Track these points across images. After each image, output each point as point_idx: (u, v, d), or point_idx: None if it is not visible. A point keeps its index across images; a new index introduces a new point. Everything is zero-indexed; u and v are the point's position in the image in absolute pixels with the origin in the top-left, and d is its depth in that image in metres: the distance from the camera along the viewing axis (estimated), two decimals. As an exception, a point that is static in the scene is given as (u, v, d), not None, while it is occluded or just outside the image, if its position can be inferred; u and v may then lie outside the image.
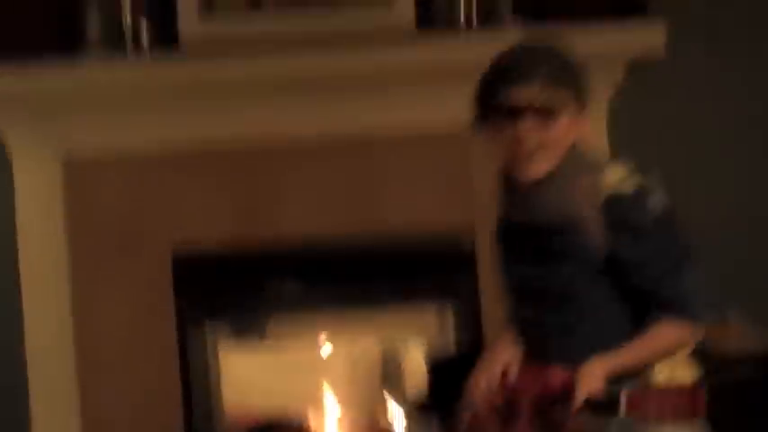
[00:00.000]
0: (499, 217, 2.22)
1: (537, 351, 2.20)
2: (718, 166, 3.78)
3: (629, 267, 2.09)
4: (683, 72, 3.72)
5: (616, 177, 2.09)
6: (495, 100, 2.07)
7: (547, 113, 2.04)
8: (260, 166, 3.61)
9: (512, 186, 2.15)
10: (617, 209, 2.07)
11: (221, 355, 3.91)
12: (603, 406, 2.01)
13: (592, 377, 2.05)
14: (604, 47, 3.46)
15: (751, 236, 3.77)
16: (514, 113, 2.04)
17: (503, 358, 2.25)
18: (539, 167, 2.07)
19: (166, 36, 3.50)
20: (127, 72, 3.47)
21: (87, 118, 3.52)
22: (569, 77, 2.10)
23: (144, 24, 3.46)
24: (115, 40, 3.44)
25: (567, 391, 2.06)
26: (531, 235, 2.12)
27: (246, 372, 4.17)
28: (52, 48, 3.41)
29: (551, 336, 2.17)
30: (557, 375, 2.11)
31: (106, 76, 3.45)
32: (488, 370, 2.24)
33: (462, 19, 3.54)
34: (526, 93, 2.03)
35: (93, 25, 3.40)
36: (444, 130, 3.50)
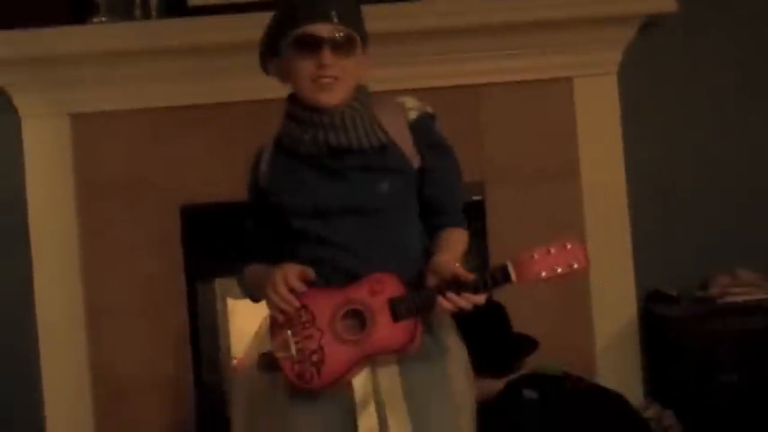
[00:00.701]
0: (295, 142, 2.28)
1: (338, 274, 2.23)
2: (727, 121, 3.77)
3: (434, 177, 2.30)
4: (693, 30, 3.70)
5: (415, 103, 2.32)
6: (298, 32, 2.24)
7: (344, 48, 2.24)
8: (267, 118, 3.58)
9: (307, 113, 2.27)
10: (426, 126, 2.31)
11: (229, 308, 3.93)
12: (484, 284, 2.09)
13: (450, 264, 2.13)
14: (618, 8, 3.50)
15: (761, 190, 3.77)
16: (317, 45, 2.23)
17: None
18: (336, 96, 2.25)
19: (173, 8, 3.55)
20: (134, 33, 3.47)
21: (95, 77, 3.53)
22: (358, 20, 2.30)
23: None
24: (124, 10, 3.50)
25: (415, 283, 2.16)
26: (346, 156, 2.24)
27: (254, 325, 4.19)
28: (64, 16, 3.46)
29: (358, 254, 2.22)
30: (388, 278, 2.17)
31: (114, 38, 3.46)
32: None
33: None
34: (328, 27, 2.24)
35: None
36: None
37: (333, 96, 2.25)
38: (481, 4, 3.53)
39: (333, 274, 2.22)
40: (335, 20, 2.24)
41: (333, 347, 2.16)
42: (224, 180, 3.56)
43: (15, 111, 3.56)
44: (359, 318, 2.17)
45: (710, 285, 3.58)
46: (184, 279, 3.62)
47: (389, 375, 2.20)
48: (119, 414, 3.58)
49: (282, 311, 2.20)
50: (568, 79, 3.65)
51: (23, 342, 3.56)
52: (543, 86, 3.65)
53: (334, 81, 2.24)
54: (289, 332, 2.18)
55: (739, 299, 3.49)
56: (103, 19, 3.45)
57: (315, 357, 2.16)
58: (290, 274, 2.19)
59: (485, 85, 3.64)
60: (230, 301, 4.03)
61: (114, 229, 3.59)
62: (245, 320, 4.17)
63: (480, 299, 2.12)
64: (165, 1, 3.55)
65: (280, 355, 2.18)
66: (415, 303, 2.14)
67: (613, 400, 3.09)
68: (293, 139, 2.28)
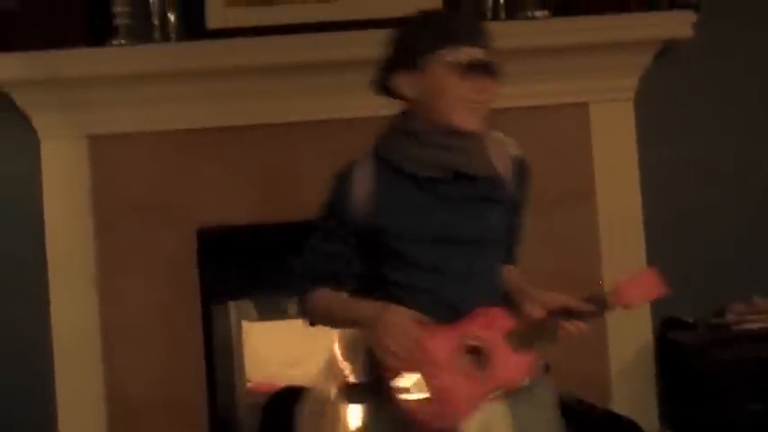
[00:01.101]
0: (412, 162, 2.20)
1: (438, 304, 2.18)
2: (744, 147, 3.76)
3: (518, 218, 2.33)
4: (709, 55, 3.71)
5: (509, 139, 2.32)
6: (460, 54, 2.15)
7: (495, 74, 2.18)
8: (285, 142, 3.61)
9: (438, 135, 2.19)
10: (526, 167, 2.32)
11: (244, 331, 3.94)
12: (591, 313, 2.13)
13: (556, 295, 2.15)
14: (634, 34, 3.53)
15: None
16: (478, 69, 2.15)
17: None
18: (481, 121, 2.19)
19: (192, 30, 3.57)
20: (153, 55, 3.49)
21: (114, 98, 3.54)
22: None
23: (171, 17, 3.54)
24: (144, 32, 3.52)
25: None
26: (464, 182, 2.19)
27: (269, 345, 4.21)
28: (83, 38, 3.48)
29: (462, 285, 2.18)
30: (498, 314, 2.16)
31: (133, 60, 3.47)
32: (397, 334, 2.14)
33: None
34: (485, 51, 2.18)
35: (122, 18, 3.48)
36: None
37: (479, 122, 2.18)
38: (495, 29, 3.53)
39: (431, 304, 2.14)
40: (488, 44, 2.19)
41: (459, 385, 2.10)
42: (241, 203, 3.57)
43: (34, 131, 3.57)
44: (476, 354, 2.11)
45: (726, 312, 3.57)
46: (200, 301, 3.60)
47: (501, 415, 2.15)
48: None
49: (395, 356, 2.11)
50: (585, 104, 3.66)
51: (39, 362, 3.56)
52: (559, 111, 3.65)
53: (483, 106, 2.18)
54: (419, 373, 2.11)
55: (755, 326, 3.49)
56: (123, 41, 3.47)
57: (443, 396, 2.10)
58: (409, 323, 2.11)
59: (502, 109, 3.63)
60: (245, 324, 4.05)
61: (131, 250, 3.59)
62: (260, 343, 4.20)
63: (587, 327, 2.13)
64: (183, 24, 3.56)
65: (412, 396, 2.11)
66: (533, 334, 2.12)
67: (626, 428, 3.08)
68: (411, 159, 2.19)
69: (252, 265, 3.65)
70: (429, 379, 2.10)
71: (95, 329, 3.57)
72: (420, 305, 2.13)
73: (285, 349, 4.26)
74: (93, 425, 3.54)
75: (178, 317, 3.59)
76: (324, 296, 2.25)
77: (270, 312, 4.31)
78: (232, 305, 3.78)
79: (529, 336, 2.11)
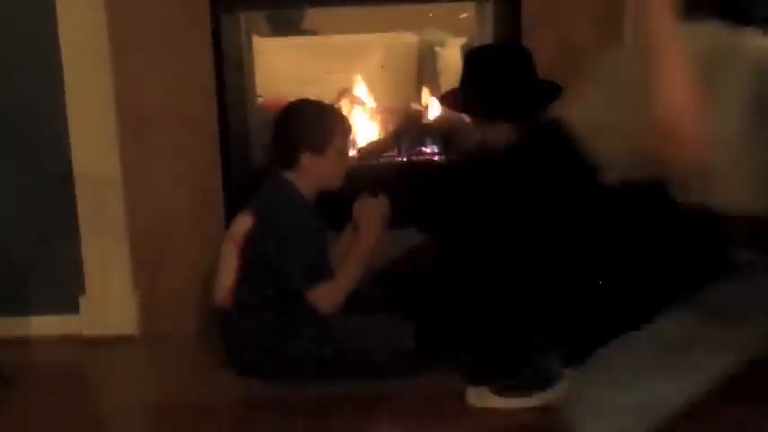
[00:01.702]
0: None
1: None
2: None
3: None
4: None
5: None
6: None
7: None
8: None
9: None
10: None
11: (255, 44, 3.88)
12: None
13: None
14: None
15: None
16: None
17: None
18: None
19: None
20: None
21: None
22: None
23: None
24: None
25: None
26: None
27: (280, 62, 4.17)
28: None
29: None
30: None
31: None
32: None
33: None
34: None
35: None
36: None
37: None
38: None
39: None
40: None
41: None
42: None
43: None
44: None
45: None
46: (209, 10, 3.51)
47: None
48: (143, 141, 3.59)
49: None
50: None
51: (49, 73, 3.53)
52: None
53: None
54: None
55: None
56: None
57: None
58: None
59: None
60: (256, 39, 3.99)
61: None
62: (272, 59, 4.15)
63: None
64: None
65: None
66: None
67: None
68: None
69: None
70: None
71: (104, 37, 3.50)
72: None
73: (297, 66, 4.23)
74: (103, 133, 3.55)
75: (187, 25, 3.51)
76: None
77: (282, 28, 4.25)
78: (243, 17, 3.70)
79: None
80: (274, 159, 3.22)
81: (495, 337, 2.88)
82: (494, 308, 2.84)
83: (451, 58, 4.21)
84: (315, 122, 3.15)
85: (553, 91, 3.08)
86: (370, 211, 3.18)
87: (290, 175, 3.15)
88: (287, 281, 3.07)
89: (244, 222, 3.15)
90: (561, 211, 2.76)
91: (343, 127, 3.20)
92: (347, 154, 3.27)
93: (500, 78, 3.08)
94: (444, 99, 3.36)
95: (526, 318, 2.83)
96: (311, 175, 3.15)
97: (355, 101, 4.05)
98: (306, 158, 3.12)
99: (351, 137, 3.37)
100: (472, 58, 3.22)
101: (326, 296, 3.07)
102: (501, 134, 3.03)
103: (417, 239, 3.38)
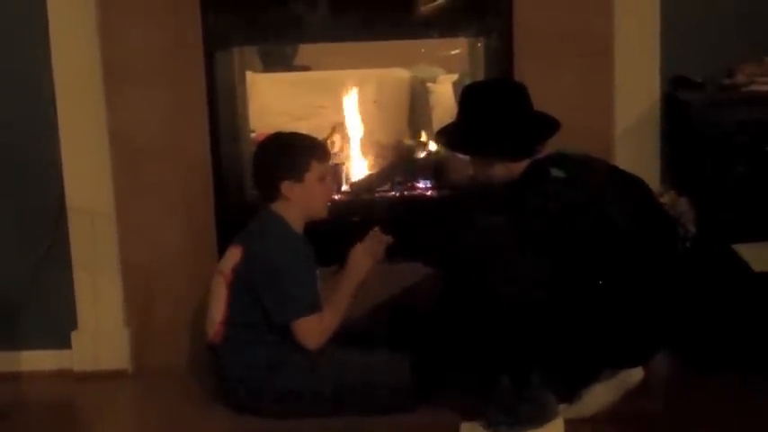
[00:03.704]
0: None
1: None
2: None
3: None
4: None
5: None
6: None
7: None
8: None
9: None
10: None
11: (248, 79, 3.89)
12: None
13: None
14: None
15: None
16: None
17: None
18: None
19: None
20: None
21: None
22: None
23: None
24: None
25: None
26: None
27: (273, 97, 4.18)
28: None
29: None
30: None
31: None
32: None
33: None
34: None
35: None
36: None
37: None
38: None
39: None
40: None
41: None
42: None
43: None
44: None
45: (737, 73, 3.51)
46: (202, 46, 3.53)
47: None
48: (136, 175, 3.59)
49: None
50: None
51: (41, 105, 3.54)
52: None
53: None
54: None
55: (765, 88, 3.44)
56: None
57: None
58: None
59: None
60: (249, 75, 4.01)
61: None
62: (265, 94, 4.17)
63: None
64: None
65: None
66: None
67: (635, 183, 3.08)
68: None
69: (256, 13, 3.58)
70: None
71: (98, 74, 3.52)
72: None
73: (290, 101, 4.25)
74: (96, 167, 3.56)
75: (180, 60, 3.54)
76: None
77: (275, 64, 4.27)
78: (236, 53, 3.71)
79: None
80: (258, 193, 3.26)
81: (493, 374, 2.87)
82: (493, 344, 2.84)
83: (443, 94, 4.24)
84: (289, 151, 3.21)
85: (550, 125, 3.10)
86: (359, 247, 3.19)
87: (276, 207, 3.19)
88: (274, 313, 3.06)
89: (232, 256, 3.16)
90: (564, 247, 2.78)
91: (319, 152, 3.24)
92: (328, 180, 3.31)
93: (498, 116, 3.07)
94: (439, 137, 3.34)
95: (527, 354, 2.83)
96: (294, 204, 3.18)
97: (347, 136, 4.07)
98: (286, 187, 3.16)
99: (329, 162, 3.38)
100: (469, 95, 3.19)
101: (313, 330, 3.06)
102: (498, 171, 3.04)
103: (415, 274, 3.39)
